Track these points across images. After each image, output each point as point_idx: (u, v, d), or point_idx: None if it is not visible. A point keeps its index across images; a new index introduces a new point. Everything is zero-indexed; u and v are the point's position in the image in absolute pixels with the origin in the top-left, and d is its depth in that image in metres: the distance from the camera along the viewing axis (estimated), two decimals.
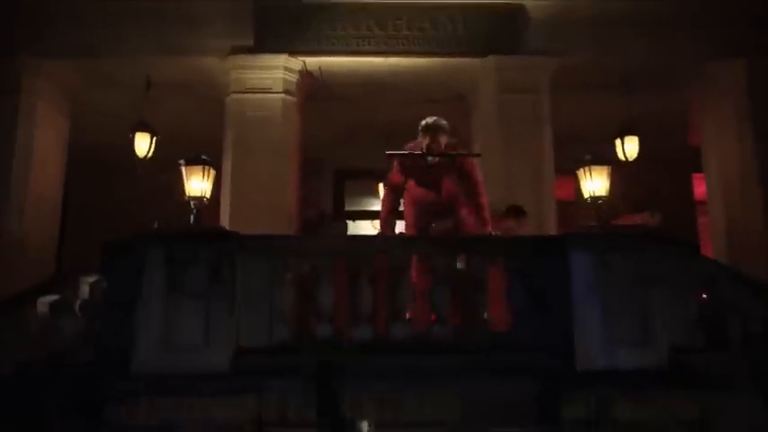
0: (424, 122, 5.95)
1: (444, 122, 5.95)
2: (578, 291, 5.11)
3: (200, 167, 5.73)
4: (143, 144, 8.81)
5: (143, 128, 8.79)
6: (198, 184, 5.67)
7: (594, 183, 5.67)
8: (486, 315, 5.48)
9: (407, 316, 5.40)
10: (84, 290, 5.52)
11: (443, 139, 5.89)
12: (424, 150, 5.88)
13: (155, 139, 8.84)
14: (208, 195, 5.76)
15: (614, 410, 4.88)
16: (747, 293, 5.29)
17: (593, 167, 5.70)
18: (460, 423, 4.96)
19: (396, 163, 6.26)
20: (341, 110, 10.08)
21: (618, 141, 8.94)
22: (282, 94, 8.63)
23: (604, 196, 5.63)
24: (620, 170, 9.07)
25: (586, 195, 5.84)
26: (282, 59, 8.63)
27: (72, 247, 9.51)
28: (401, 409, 4.95)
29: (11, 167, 8.34)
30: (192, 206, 5.72)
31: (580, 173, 5.83)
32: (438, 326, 5.32)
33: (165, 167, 8.73)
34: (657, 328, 5.06)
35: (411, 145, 6.10)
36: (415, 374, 5.05)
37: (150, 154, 8.82)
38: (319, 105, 9.50)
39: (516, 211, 6.45)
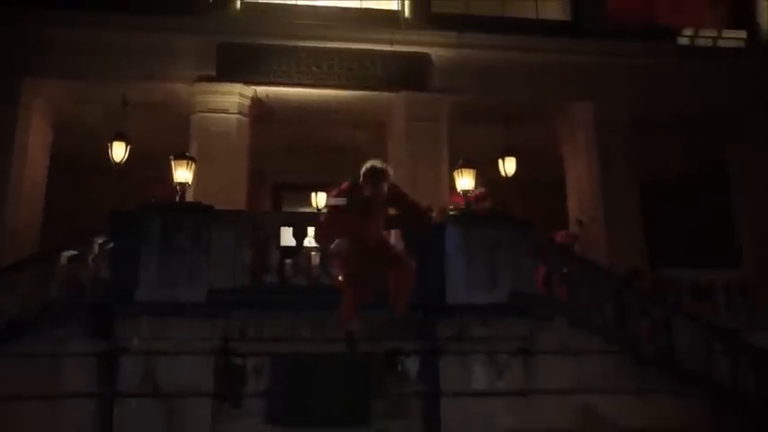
0: (365, 168, 5.68)
1: (385, 167, 5.74)
2: (450, 252, 7.48)
3: (184, 161, 7.70)
4: (119, 151, 10.75)
5: (120, 137, 10.74)
6: (183, 173, 7.63)
7: (464, 180, 7.96)
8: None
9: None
10: (95, 248, 7.51)
11: (384, 186, 5.68)
12: (369, 196, 5.68)
13: (129, 147, 10.80)
14: (190, 182, 7.72)
15: (471, 330, 7.23)
16: (559, 255, 7.81)
17: (464, 169, 8.01)
18: (367, 338, 7.18)
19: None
20: (282, 130, 12.29)
21: (500, 161, 11.55)
22: (237, 115, 10.84)
23: (472, 189, 8.01)
24: (507, 185, 11.66)
25: (459, 189, 8.13)
26: (238, 87, 10.86)
27: (50, 235, 11.25)
28: (325, 327, 7.14)
29: (10, 166, 10.14)
30: (178, 189, 7.73)
31: (455, 173, 8.13)
32: None
33: (136, 172, 10.74)
34: (502, 277, 7.45)
35: (345, 186, 5.83)
36: (335, 307, 7.27)
37: (125, 159, 10.77)
38: (265, 126, 11.69)
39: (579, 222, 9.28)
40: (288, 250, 7.72)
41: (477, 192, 8.51)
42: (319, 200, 13.30)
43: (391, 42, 11.34)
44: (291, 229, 7.69)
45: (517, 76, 11.28)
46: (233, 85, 10.84)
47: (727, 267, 11.74)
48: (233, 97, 10.86)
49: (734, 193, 12.21)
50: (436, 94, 11.20)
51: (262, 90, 11.11)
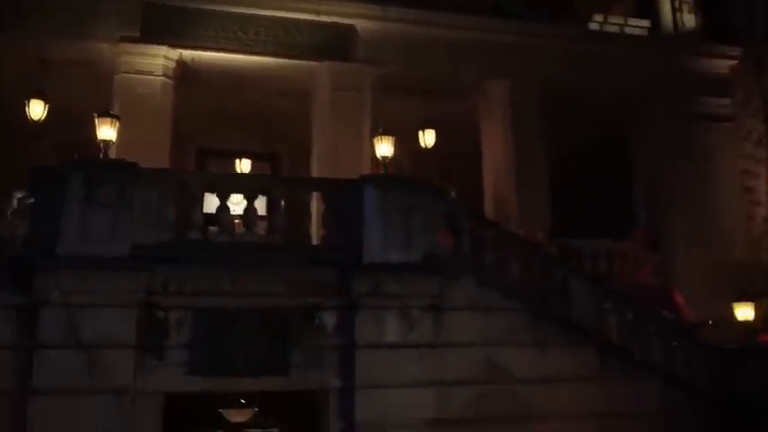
0: None
1: None
2: (368, 213, 7.89)
3: (108, 119, 7.73)
4: (37, 109, 10.57)
5: (38, 95, 10.55)
6: (107, 131, 7.67)
7: (384, 147, 8.39)
8: (310, 230, 8.15)
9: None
10: (14, 202, 7.50)
11: None
12: None
13: (47, 105, 10.63)
14: (114, 139, 7.77)
15: (386, 287, 7.70)
16: (470, 219, 8.39)
17: (383, 137, 8.43)
18: (287, 294, 7.57)
19: None
20: (207, 95, 12.34)
21: (420, 133, 12.04)
22: (162, 77, 10.85)
23: (390, 156, 8.44)
24: (427, 157, 12.17)
25: (379, 155, 8.57)
26: (163, 50, 10.85)
27: None
28: (248, 282, 7.46)
29: None
30: (102, 146, 7.76)
31: (375, 140, 8.55)
32: (278, 234, 7.89)
33: (54, 131, 10.59)
34: (416, 238, 7.93)
35: None
36: (260, 263, 7.59)
37: (43, 117, 10.60)
38: (190, 90, 11.72)
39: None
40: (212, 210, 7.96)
41: None
42: (243, 166, 13.49)
43: (317, 12, 11.58)
44: (216, 189, 7.93)
45: (439, 51, 11.75)
46: (158, 47, 10.82)
47: (625, 239, 12.70)
48: (158, 59, 10.84)
49: (634, 170, 13.17)
50: (360, 64, 11.54)
51: (187, 54, 11.14)
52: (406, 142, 11.79)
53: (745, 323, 10.06)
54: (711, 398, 8.43)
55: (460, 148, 13.48)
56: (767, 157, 12.27)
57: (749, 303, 10.18)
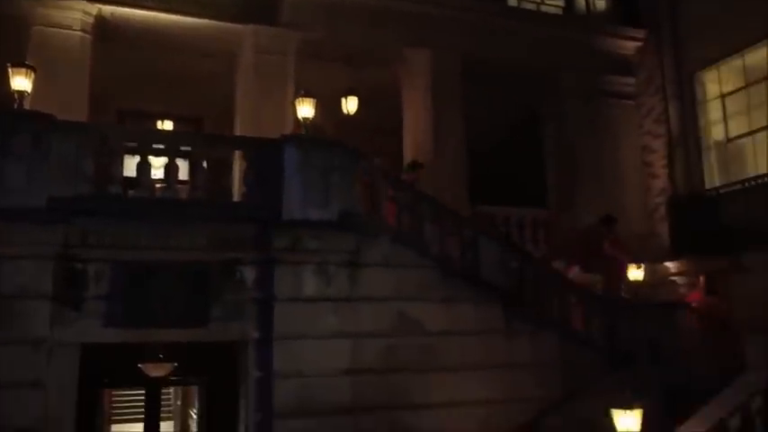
0: None
1: None
2: (288, 172, 8.15)
3: (23, 69, 7.54)
4: None
5: None
6: (21, 81, 7.49)
7: (305, 109, 8.59)
8: (233, 188, 8.32)
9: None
10: None
11: None
12: None
13: None
14: (29, 90, 7.60)
15: (304, 243, 8.01)
16: (387, 180, 8.78)
17: (304, 98, 8.64)
18: (207, 248, 7.76)
19: None
20: (128, 54, 12.10)
21: (343, 99, 12.30)
22: (80, 32, 10.62)
23: (311, 118, 8.67)
24: (350, 125, 12.44)
25: (300, 116, 8.78)
26: (82, 3, 10.60)
27: None
28: (169, 237, 7.60)
29: None
30: (17, 96, 7.59)
31: (297, 101, 8.74)
32: (199, 191, 8.04)
33: None
34: (334, 197, 8.27)
35: None
36: (181, 218, 7.73)
37: None
38: (110, 48, 11.50)
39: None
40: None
41: None
42: (165, 128, 13.38)
43: None
44: (137, 144, 7.98)
45: (362, 18, 11.97)
46: (76, 1, 10.57)
47: (537, 207, 13.45)
48: (75, 13, 10.59)
49: (545, 142, 13.89)
50: (285, 29, 11.62)
51: (107, 9, 10.92)
52: (329, 110, 11.98)
53: (636, 283, 10.95)
54: (603, 346, 9.21)
55: (383, 117, 13.81)
56: (665, 133, 13.17)
57: (640, 266, 11.07)
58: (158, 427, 12.71)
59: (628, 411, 6.16)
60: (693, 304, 10.16)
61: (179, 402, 19.29)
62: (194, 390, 14.35)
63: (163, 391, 14.40)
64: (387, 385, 8.22)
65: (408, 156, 13.01)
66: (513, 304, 9.04)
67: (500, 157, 14.17)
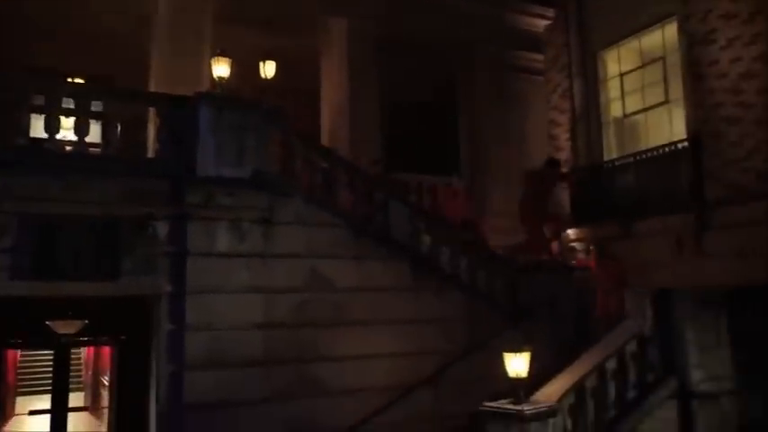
0: None
1: None
2: (202, 130, 8.24)
3: None
4: None
5: None
6: None
7: (221, 68, 8.68)
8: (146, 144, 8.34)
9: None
10: None
11: None
12: None
13: None
14: None
15: (217, 199, 8.16)
16: (299, 141, 9.02)
17: (221, 58, 8.72)
18: (119, 203, 7.78)
19: None
20: (38, 9, 11.71)
21: (261, 63, 12.36)
22: None
23: (226, 77, 8.78)
24: (268, 91, 12.50)
25: (215, 75, 8.87)
26: None
27: None
28: (79, 191, 7.58)
29: None
30: None
31: (213, 60, 8.80)
32: (112, 146, 8.02)
33: None
34: (247, 156, 8.43)
35: None
36: (92, 172, 7.71)
37: None
38: (19, 1, 11.10)
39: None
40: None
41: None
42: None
43: None
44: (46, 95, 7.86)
45: None
46: None
47: (449, 175, 13.96)
48: None
49: (459, 112, 14.43)
50: None
51: None
52: (247, 75, 12.02)
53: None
54: (506, 304, 9.84)
55: (301, 83, 13.96)
56: (569, 109, 13.93)
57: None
58: (67, 396, 12.39)
59: (517, 354, 6.70)
60: (591, 268, 10.93)
61: (90, 373, 18.94)
62: (106, 359, 14.12)
63: (73, 360, 14.11)
64: (298, 339, 8.53)
65: (325, 123, 13.25)
66: (420, 263, 9.51)
67: (416, 126, 14.58)
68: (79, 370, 19.59)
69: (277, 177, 8.66)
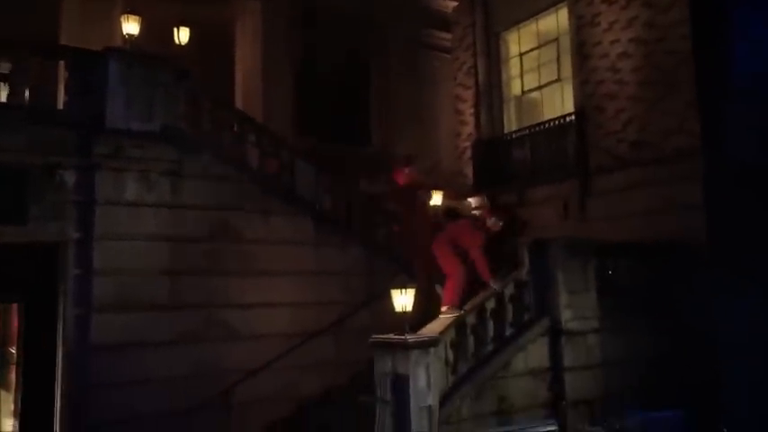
0: None
1: None
2: (111, 83, 8.57)
3: None
4: None
5: None
6: None
7: (130, 26, 9.00)
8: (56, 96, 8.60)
9: None
10: None
11: None
12: None
13: None
14: None
15: (126, 151, 8.52)
16: (207, 98, 9.45)
17: (130, 15, 9.04)
18: (27, 151, 8.04)
19: None
20: None
21: (175, 30, 12.61)
22: None
23: (135, 35, 9.11)
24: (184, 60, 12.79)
25: (125, 32, 9.18)
26: None
27: None
28: None
29: None
30: None
31: (122, 18, 9.10)
32: (21, 96, 8.24)
33: None
34: (157, 111, 8.83)
35: None
36: (3, 120, 7.92)
37: None
38: None
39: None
40: None
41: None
42: None
43: None
44: None
45: None
46: None
47: (361, 145, 14.68)
48: None
49: (372, 87, 15.10)
50: None
51: None
52: (163, 42, 12.27)
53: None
54: (394, 258, 10.57)
55: (216, 53, 14.25)
56: (473, 85, 14.81)
57: (440, 192, 12.48)
58: None
59: (402, 291, 7.42)
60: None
61: None
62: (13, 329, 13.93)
63: None
64: (205, 286, 9.02)
65: (239, 91, 13.65)
66: (323, 220, 10.13)
67: (330, 95, 15.13)
68: None
69: (186, 133, 9.08)
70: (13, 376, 13.67)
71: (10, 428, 11.83)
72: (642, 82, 11.16)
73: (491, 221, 8.92)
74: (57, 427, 8.49)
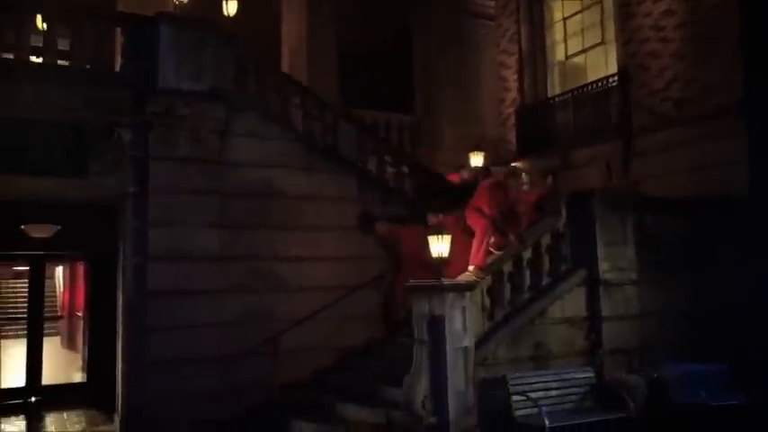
0: None
1: None
2: (163, 46, 9.03)
3: None
4: None
5: None
6: None
7: None
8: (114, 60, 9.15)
9: None
10: None
11: None
12: None
13: None
14: None
15: (177, 109, 8.96)
16: (254, 61, 9.83)
17: None
18: (86, 110, 8.57)
19: None
20: None
21: (224, 1, 13.06)
22: None
23: (184, 1, 9.58)
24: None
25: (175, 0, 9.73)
26: None
27: None
28: (48, 97, 8.32)
29: None
30: None
31: None
32: (80, 59, 8.78)
33: None
34: (206, 72, 9.24)
35: None
36: (60, 81, 8.47)
37: None
38: None
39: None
40: None
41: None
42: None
43: None
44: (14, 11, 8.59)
45: None
46: None
47: (404, 113, 14.91)
48: None
49: (414, 55, 15.29)
50: None
51: None
52: (211, 16, 12.74)
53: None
54: None
55: (263, 24, 14.68)
56: (517, 51, 14.84)
57: (480, 154, 12.53)
58: (41, 322, 12.48)
59: (439, 237, 7.68)
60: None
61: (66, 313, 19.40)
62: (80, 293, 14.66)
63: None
64: (252, 239, 9.42)
65: (285, 59, 14.04)
66: (366, 178, 10.44)
67: (373, 65, 15.37)
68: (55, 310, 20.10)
69: (233, 93, 9.48)
70: (80, 337, 14.70)
71: (79, 380, 12.77)
72: (686, 38, 11.05)
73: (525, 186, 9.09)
74: (119, 367, 9.08)
